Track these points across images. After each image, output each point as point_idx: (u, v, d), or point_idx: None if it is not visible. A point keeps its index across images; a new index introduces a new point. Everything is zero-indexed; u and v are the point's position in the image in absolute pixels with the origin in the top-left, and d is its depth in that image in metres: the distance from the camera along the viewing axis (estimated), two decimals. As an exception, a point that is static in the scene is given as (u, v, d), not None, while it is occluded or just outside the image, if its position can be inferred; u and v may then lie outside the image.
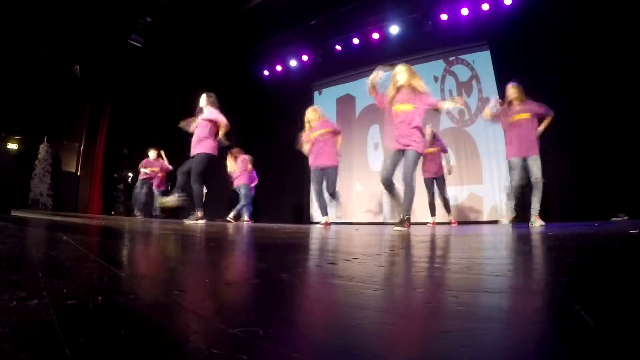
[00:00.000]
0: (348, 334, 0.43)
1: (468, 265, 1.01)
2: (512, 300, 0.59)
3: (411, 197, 3.08)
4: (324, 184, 4.47)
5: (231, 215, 6.24)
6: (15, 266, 0.76)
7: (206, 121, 4.38)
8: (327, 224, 4.41)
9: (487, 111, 4.16)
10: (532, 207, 3.76)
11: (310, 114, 4.66)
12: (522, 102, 3.88)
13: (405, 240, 1.98)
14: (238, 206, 6.33)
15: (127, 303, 0.51)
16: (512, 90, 3.94)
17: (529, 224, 3.76)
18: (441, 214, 5.50)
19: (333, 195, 4.46)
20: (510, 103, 3.94)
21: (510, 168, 3.88)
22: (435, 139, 5.42)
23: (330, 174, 4.42)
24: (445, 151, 5.48)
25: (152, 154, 7.31)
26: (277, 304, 0.55)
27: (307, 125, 4.67)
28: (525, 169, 3.79)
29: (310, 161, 4.56)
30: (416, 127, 3.15)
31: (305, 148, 4.66)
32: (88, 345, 0.34)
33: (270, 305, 0.55)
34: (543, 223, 3.71)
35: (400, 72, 3.25)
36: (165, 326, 0.43)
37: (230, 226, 4.31)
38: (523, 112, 3.80)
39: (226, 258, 1.20)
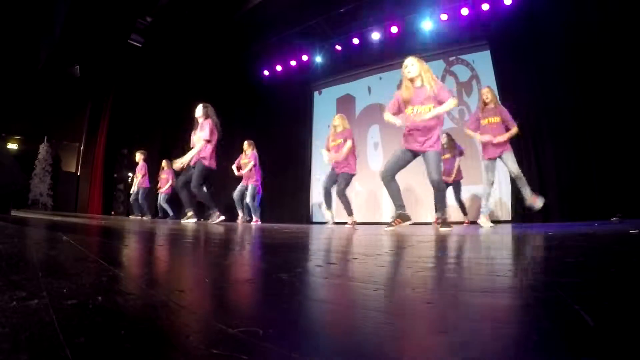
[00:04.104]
0: (348, 334, 0.43)
1: (468, 265, 1.01)
2: (512, 300, 0.59)
3: (444, 200, 3.15)
4: (335, 186, 4.72)
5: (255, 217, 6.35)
6: (15, 266, 0.76)
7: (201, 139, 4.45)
8: (353, 223, 4.69)
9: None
10: (523, 195, 3.93)
11: (336, 120, 4.86)
12: (495, 105, 4.03)
13: (405, 240, 1.98)
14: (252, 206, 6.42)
15: (127, 303, 0.51)
16: (489, 93, 4.07)
17: (527, 209, 3.97)
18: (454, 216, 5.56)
19: (340, 197, 4.66)
20: (484, 105, 4.08)
21: (486, 169, 4.06)
22: (453, 143, 5.51)
23: (341, 178, 4.65)
24: (461, 154, 5.58)
25: (138, 156, 7.35)
26: (277, 304, 0.55)
27: (332, 129, 4.87)
28: (505, 164, 3.99)
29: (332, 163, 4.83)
30: (433, 127, 3.02)
31: (325, 154, 4.90)
32: (88, 345, 0.34)
33: (271, 305, 0.55)
34: (541, 203, 3.85)
35: (412, 64, 3.05)
36: (165, 326, 0.43)
37: (233, 227, 4.32)
38: (495, 116, 3.97)
39: (226, 258, 1.20)
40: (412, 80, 3.07)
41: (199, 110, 4.51)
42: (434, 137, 3.03)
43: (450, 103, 2.98)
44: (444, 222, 3.09)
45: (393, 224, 3.05)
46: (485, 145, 4.05)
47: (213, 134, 4.41)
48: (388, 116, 3.21)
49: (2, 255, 0.90)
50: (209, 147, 4.42)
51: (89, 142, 8.95)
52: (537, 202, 3.85)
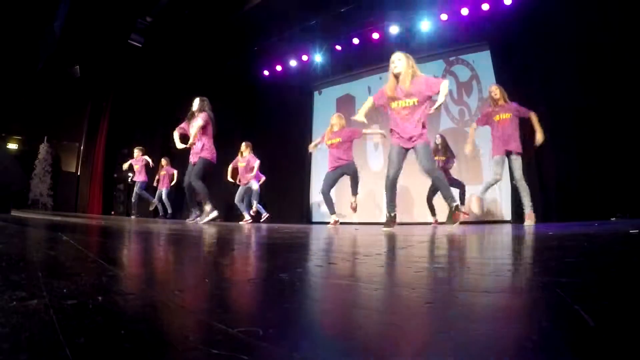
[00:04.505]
0: (348, 333, 0.43)
1: (468, 265, 1.01)
2: (512, 300, 0.59)
3: (446, 185, 3.13)
4: (349, 181, 4.81)
5: (250, 214, 6.34)
6: (15, 266, 0.76)
7: (198, 128, 4.44)
8: (335, 222, 4.71)
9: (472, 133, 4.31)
10: (523, 205, 3.91)
11: (334, 119, 4.91)
12: (505, 102, 4.05)
13: (405, 240, 1.98)
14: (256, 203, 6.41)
15: (127, 303, 0.51)
16: (497, 90, 4.10)
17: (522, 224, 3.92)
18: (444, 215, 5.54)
19: (354, 183, 4.76)
20: (494, 103, 4.10)
21: (495, 163, 4.06)
22: (446, 146, 5.52)
23: (348, 169, 4.72)
24: (453, 160, 5.59)
25: (136, 152, 7.42)
26: (277, 304, 0.55)
27: (329, 127, 4.93)
28: (509, 167, 4.01)
29: (328, 165, 4.87)
30: (421, 126, 3.03)
31: (311, 146, 5.14)
32: (88, 345, 0.34)
33: (270, 305, 0.55)
34: (533, 222, 3.83)
35: (398, 59, 3.08)
36: (165, 326, 0.43)
37: (233, 227, 4.31)
38: (506, 112, 3.98)
39: (226, 258, 1.20)
40: (397, 75, 3.08)
41: (196, 104, 4.56)
42: (420, 131, 3.03)
43: (445, 85, 2.96)
44: (452, 217, 3.03)
45: (391, 224, 3.10)
46: (493, 142, 4.07)
47: (208, 124, 4.45)
48: (360, 115, 3.27)
49: (2, 255, 0.90)
50: (207, 141, 4.44)
51: (89, 142, 8.96)
52: (529, 220, 3.83)
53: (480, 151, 6.34)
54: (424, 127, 3.06)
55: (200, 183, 4.33)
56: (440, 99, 2.94)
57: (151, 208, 7.36)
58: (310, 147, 5.25)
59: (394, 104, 3.12)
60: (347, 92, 8.22)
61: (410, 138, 3.04)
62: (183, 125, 4.62)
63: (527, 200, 3.86)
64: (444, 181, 3.15)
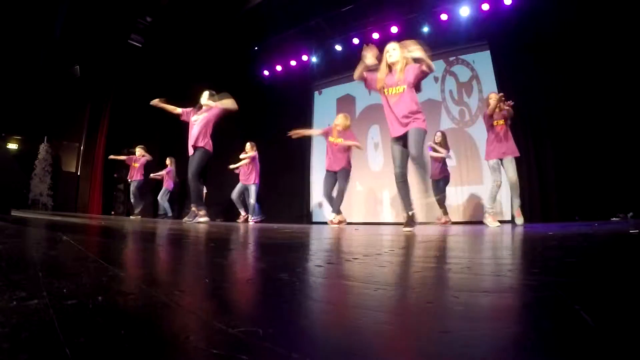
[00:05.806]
0: (348, 334, 0.43)
1: (468, 265, 1.00)
2: (512, 300, 0.59)
3: (423, 181, 3.03)
4: (336, 185, 4.80)
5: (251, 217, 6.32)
6: (15, 266, 0.76)
7: (207, 118, 4.39)
8: (340, 222, 4.73)
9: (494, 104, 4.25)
10: (512, 204, 4.12)
11: (340, 119, 4.93)
12: (501, 110, 4.24)
13: (405, 240, 1.98)
14: (253, 205, 6.38)
15: (127, 303, 0.50)
16: (498, 98, 4.26)
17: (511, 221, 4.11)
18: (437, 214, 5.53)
19: (340, 194, 4.75)
20: (491, 109, 4.26)
21: (492, 170, 4.20)
22: (445, 142, 5.55)
23: (341, 175, 4.74)
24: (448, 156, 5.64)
25: (138, 152, 7.42)
26: (277, 304, 0.55)
27: (333, 126, 4.96)
28: (504, 169, 4.16)
29: (326, 164, 4.90)
30: (414, 107, 3.00)
31: (312, 132, 5.35)
32: (88, 345, 0.34)
33: (270, 305, 0.55)
34: (522, 221, 4.01)
35: (393, 49, 3.12)
36: (165, 326, 0.43)
37: (233, 226, 4.31)
38: (500, 118, 4.22)
39: (226, 258, 1.20)
40: (391, 65, 3.12)
41: (205, 96, 4.55)
42: (414, 114, 2.99)
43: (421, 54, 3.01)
44: (410, 219, 2.91)
45: (411, 224, 2.95)
46: (489, 145, 4.20)
47: (217, 117, 4.48)
48: (357, 73, 3.21)
49: (2, 255, 0.90)
50: (208, 134, 4.40)
51: (89, 142, 8.95)
52: (517, 220, 4.02)
53: (479, 151, 6.35)
54: (418, 110, 3.01)
55: (196, 184, 4.26)
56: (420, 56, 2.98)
57: (136, 213, 7.13)
58: (301, 132, 5.18)
59: (385, 91, 3.14)
60: (347, 92, 8.22)
61: (403, 122, 2.98)
62: (185, 110, 4.59)
63: (517, 203, 4.08)
64: (424, 175, 3.03)
